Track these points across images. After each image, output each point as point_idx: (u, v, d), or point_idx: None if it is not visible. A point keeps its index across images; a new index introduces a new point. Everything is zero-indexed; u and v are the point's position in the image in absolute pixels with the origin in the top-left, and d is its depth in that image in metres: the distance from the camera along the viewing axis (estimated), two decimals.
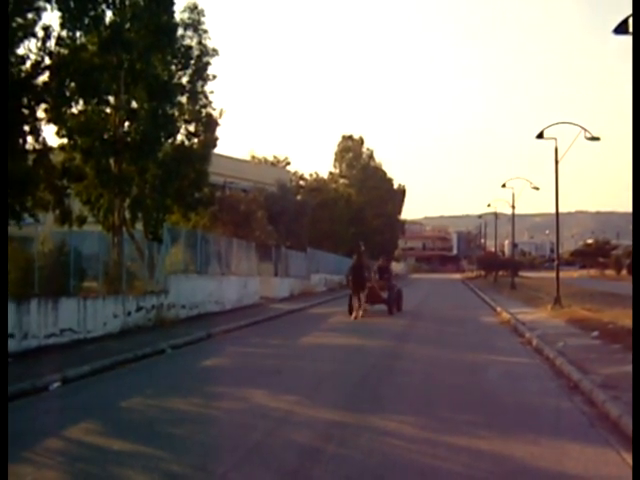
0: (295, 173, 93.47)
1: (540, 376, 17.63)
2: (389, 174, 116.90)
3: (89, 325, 23.21)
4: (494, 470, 9.57)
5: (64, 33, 32.01)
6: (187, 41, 36.83)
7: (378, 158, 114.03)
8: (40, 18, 30.81)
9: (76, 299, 22.75)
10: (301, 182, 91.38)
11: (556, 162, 39.00)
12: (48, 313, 21.00)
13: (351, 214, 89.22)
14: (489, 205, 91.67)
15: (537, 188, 64.56)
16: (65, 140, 32.97)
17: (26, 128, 31.58)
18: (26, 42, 30.96)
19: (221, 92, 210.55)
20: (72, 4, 31.47)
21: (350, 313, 34.99)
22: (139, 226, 35.74)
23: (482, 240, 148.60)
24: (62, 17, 31.61)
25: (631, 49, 13.47)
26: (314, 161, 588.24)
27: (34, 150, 31.85)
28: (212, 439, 11.21)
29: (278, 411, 13.17)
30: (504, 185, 67.42)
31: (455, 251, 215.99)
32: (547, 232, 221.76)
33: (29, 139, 31.83)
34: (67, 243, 23.85)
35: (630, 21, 17.08)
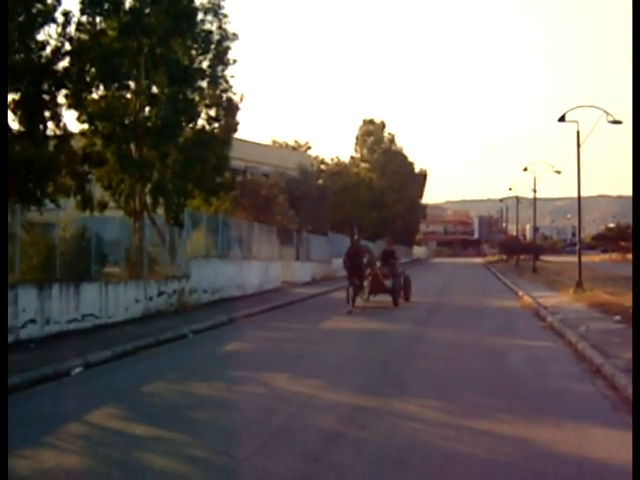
0: (316, 157, 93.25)
1: (562, 360, 17.52)
2: (410, 158, 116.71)
3: (111, 310, 23.23)
4: (516, 454, 9.49)
5: (84, 18, 32.00)
6: (207, 25, 36.51)
7: (399, 142, 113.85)
8: (60, 3, 30.83)
9: (98, 284, 22.76)
10: (322, 166, 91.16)
11: (578, 146, 38.71)
12: (70, 298, 21.02)
13: (372, 198, 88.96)
14: (510, 189, 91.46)
15: (559, 172, 64.30)
16: (86, 125, 32.97)
17: (47, 114, 31.64)
18: (46, 28, 31.01)
19: (242, 76, 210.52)
20: None
21: (349, 303, 29.95)
22: (160, 211, 35.76)
23: (503, 224, 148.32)
24: (82, 2, 31.58)
25: None
26: (335, 145, 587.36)
27: (55, 136, 31.91)
28: (234, 423, 11.16)
29: (300, 395, 13.14)
30: (526, 169, 67.13)
31: (476, 235, 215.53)
32: (569, 216, 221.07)
33: (50, 125, 31.93)
34: (88, 228, 23.79)
35: None
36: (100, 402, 12.71)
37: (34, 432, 10.69)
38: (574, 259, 43.17)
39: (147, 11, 32.76)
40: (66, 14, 31.18)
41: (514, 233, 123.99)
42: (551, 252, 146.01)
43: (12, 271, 19.85)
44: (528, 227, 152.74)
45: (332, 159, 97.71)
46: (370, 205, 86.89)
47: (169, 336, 21.07)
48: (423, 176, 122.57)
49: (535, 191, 69.31)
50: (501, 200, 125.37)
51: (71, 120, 31.97)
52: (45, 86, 31.11)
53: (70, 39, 31.36)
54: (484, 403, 12.61)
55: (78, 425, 11.22)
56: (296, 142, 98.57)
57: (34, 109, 30.40)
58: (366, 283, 31.36)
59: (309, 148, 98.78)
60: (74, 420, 11.45)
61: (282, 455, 9.37)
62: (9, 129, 30.54)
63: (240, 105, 39.36)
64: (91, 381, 15.08)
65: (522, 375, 15.52)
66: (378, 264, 33.54)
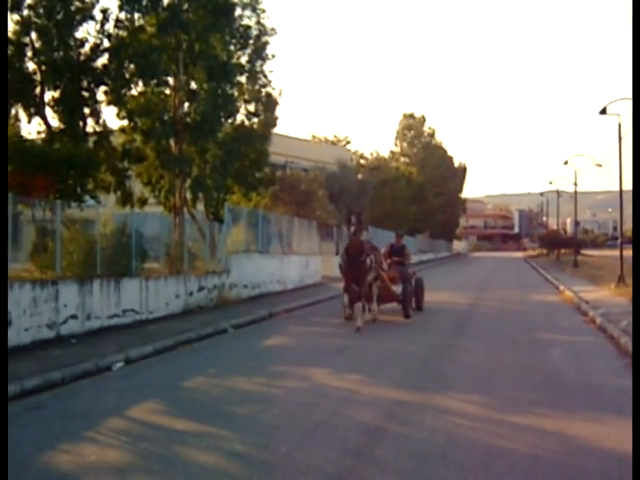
0: (355, 152, 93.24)
1: (604, 355, 17.36)
2: (450, 152, 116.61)
3: (151, 305, 23.26)
4: (559, 449, 9.41)
5: (122, 15, 32.18)
6: (245, 21, 36.52)
7: (439, 136, 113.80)
8: (98, 1, 31.07)
9: (138, 280, 22.80)
10: (361, 161, 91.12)
11: (619, 139, 38.38)
12: (110, 294, 21.07)
13: (412, 193, 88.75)
14: (551, 183, 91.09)
15: (600, 165, 63.77)
16: (125, 122, 33.15)
17: (86, 111, 31.83)
18: (85, 25, 31.21)
19: (281, 72, 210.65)
20: None
21: (347, 317, 24.07)
22: (199, 207, 35.88)
23: (544, 218, 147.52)
24: None
25: None
26: (374, 140, 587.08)
27: (94, 132, 32.11)
28: (275, 418, 11.11)
29: (341, 390, 13.10)
30: (566, 162, 66.65)
31: (517, 229, 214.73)
32: (610, 210, 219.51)
33: (89, 121, 32.13)
34: (129, 224, 23.83)
35: None
36: (141, 397, 12.73)
37: (76, 427, 10.70)
38: (615, 253, 42.80)
39: (185, 7, 32.85)
40: (104, 11, 31.51)
41: (555, 227, 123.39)
42: (592, 246, 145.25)
43: (53, 267, 19.98)
44: (569, 221, 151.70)
45: (371, 154, 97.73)
46: (410, 199, 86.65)
47: (209, 331, 21.07)
48: (463, 170, 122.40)
49: (576, 184, 68.87)
50: (541, 194, 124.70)
51: (111, 117, 32.25)
52: (84, 83, 31.32)
53: (109, 36, 31.63)
54: (525, 398, 12.49)
55: (119, 420, 11.22)
56: (335, 137, 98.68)
57: (74, 106, 30.61)
58: (375, 288, 24.92)
59: (348, 143, 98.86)
60: (115, 415, 11.47)
61: (323, 450, 9.32)
62: (49, 126, 30.82)
63: (279, 100, 39.30)
64: (132, 376, 15.10)
65: (564, 370, 15.36)
66: (385, 264, 26.51)
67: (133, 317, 22.09)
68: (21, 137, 29.54)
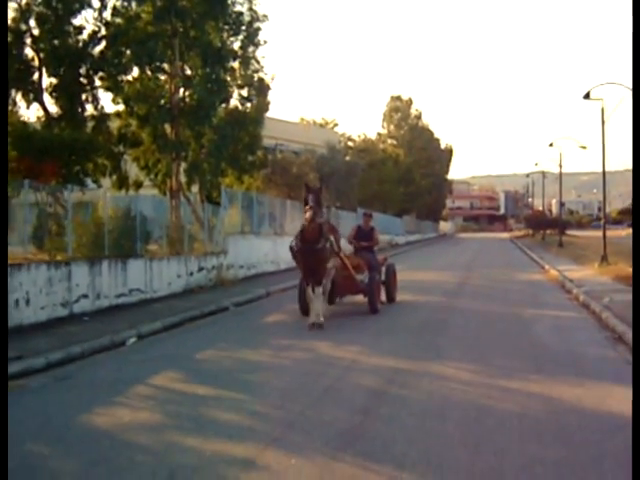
0: (343, 135, 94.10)
1: (587, 328, 18.45)
2: (436, 134, 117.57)
3: (155, 285, 24.26)
4: (544, 409, 10.47)
5: (119, 3, 33.04)
6: (238, 8, 37.35)
7: (426, 118, 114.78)
8: None
9: (143, 260, 23.78)
10: (349, 143, 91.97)
11: (602, 123, 39.37)
12: (118, 274, 22.07)
13: (399, 174, 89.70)
14: (536, 164, 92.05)
15: (584, 147, 64.69)
16: (121, 107, 34.08)
17: (84, 96, 32.75)
18: (83, 13, 32.08)
19: (269, 55, 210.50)
20: None
21: (303, 313, 20.47)
22: (194, 189, 36.89)
23: (529, 199, 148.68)
24: None
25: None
26: (361, 123, 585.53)
27: (93, 117, 33.02)
28: (286, 384, 12.17)
29: (343, 360, 14.19)
30: (551, 144, 67.59)
31: (503, 210, 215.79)
32: (595, 191, 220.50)
33: (88, 107, 33.06)
34: (133, 208, 24.82)
35: None
36: (159, 368, 13.78)
37: (105, 394, 11.74)
38: (600, 234, 43.77)
39: None
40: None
41: (540, 208, 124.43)
42: (577, 227, 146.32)
43: (63, 250, 20.99)
44: (554, 202, 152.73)
45: (359, 136, 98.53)
46: (397, 181, 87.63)
47: (212, 309, 22.11)
48: (449, 152, 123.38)
49: (561, 166, 69.92)
50: (527, 175, 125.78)
51: (107, 102, 33.16)
52: (83, 70, 32.16)
53: (106, 24, 32.44)
54: (513, 366, 13.61)
55: (144, 387, 12.28)
56: (323, 120, 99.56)
57: (72, 92, 31.50)
58: (325, 280, 20.17)
59: (336, 125, 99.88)
60: (139, 383, 12.52)
61: (333, 409, 10.43)
62: (47, 112, 31.71)
63: (271, 85, 40.22)
64: (146, 350, 16.14)
65: (549, 342, 16.46)
66: (347, 248, 23.79)
67: (139, 296, 23.09)
68: (24, 123, 30.43)
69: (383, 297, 23.39)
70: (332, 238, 20.22)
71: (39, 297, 18.29)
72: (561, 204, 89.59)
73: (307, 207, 18.71)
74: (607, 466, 7.89)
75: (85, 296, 20.32)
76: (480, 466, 7.99)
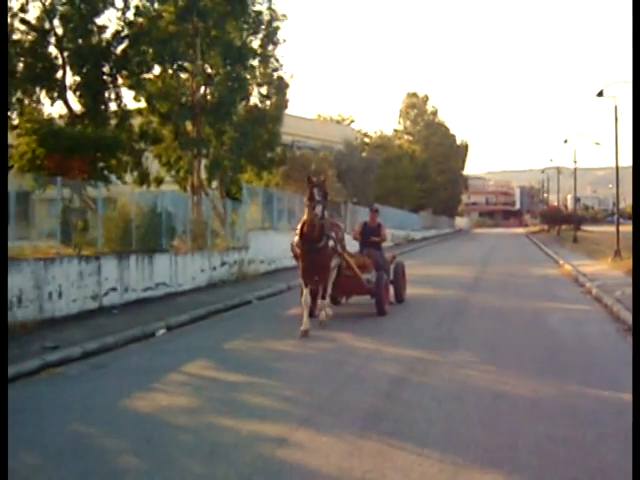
0: (359, 131, 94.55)
1: (598, 320, 19.10)
2: (452, 130, 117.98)
3: (180, 279, 24.97)
4: (555, 394, 11.19)
5: (142, 3, 33.68)
6: (257, 7, 37.98)
7: (442, 115, 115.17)
8: None
9: (168, 255, 24.51)
10: (366, 140, 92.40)
11: (615, 120, 39.87)
12: (145, 268, 22.79)
13: (416, 170, 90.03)
14: (551, 160, 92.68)
15: (598, 143, 65.19)
16: (142, 104, 34.73)
17: (107, 94, 33.39)
18: (106, 13, 32.72)
19: (287, 53, 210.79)
20: None
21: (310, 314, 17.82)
22: (213, 186, 37.61)
23: (545, 194, 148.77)
24: None
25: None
26: (377, 119, 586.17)
27: (116, 115, 33.69)
28: (312, 371, 12.86)
29: (366, 350, 14.90)
30: (566, 141, 68.10)
31: (518, 206, 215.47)
32: (610, 186, 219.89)
33: (111, 105, 33.71)
34: (159, 204, 25.51)
35: None
36: (190, 357, 14.48)
37: (142, 380, 12.44)
38: (615, 229, 44.23)
39: None
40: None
41: (555, 203, 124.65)
42: (592, 222, 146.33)
43: (93, 244, 21.71)
44: (569, 197, 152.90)
45: (375, 132, 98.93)
46: (413, 177, 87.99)
47: (236, 302, 22.79)
48: (465, 148, 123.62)
49: (575, 162, 70.38)
50: (542, 171, 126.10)
51: (128, 99, 33.74)
52: (106, 68, 32.81)
53: (129, 23, 33.01)
54: (527, 355, 14.41)
55: (178, 375, 12.99)
56: (340, 116, 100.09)
57: (96, 90, 32.15)
58: (325, 285, 18.81)
59: (352, 122, 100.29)
60: (173, 371, 13.22)
61: (358, 394, 11.13)
62: (71, 109, 32.38)
63: (290, 83, 40.83)
64: (176, 340, 16.85)
65: (561, 333, 17.20)
66: (353, 245, 22.81)
67: (164, 290, 23.80)
68: (51, 121, 31.09)
69: (391, 297, 22.09)
70: (334, 235, 18.70)
71: (71, 290, 19.05)
72: (576, 199, 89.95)
73: (311, 203, 17.22)
74: (611, 443, 8.57)
75: (114, 289, 21.06)
76: (496, 443, 8.67)
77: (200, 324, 19.33)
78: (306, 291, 17.88)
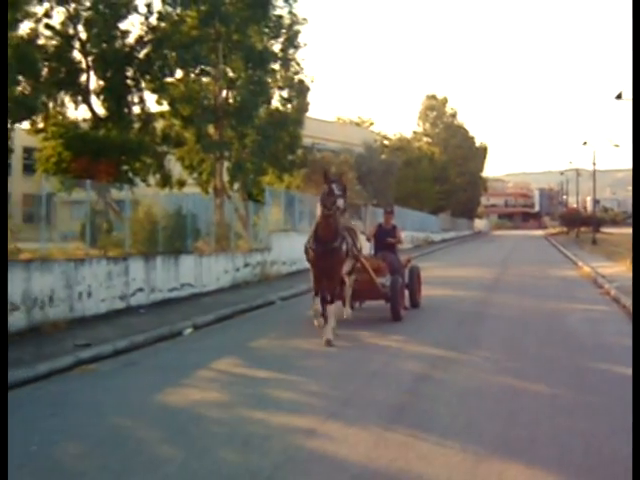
0: (379, 133, 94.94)
1: (616, 321, 19.49)
2: (471, 132, 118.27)
3: (204, 280, 25.43)
4: (573, 389, 11.68)
5: (164, 9, 34.17)
6: (278, 11, 38.45)
7: (460, 117, 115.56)
8: None
9: (193, 256, 24.98)
10: (385, 142, 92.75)
11: (633, 124, 40.07)
12: (170, 269, 23.26)
13: (435, 172, 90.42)
14: (570, 162, 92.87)
15: (617, 146, 65.46)
16: (165, 108, 35.27)
17: (131, 98, 33.89)
18: (129, 18, 33.22)
19: (307, 56, 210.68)
20: None
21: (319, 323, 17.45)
22: (235, 188, 38.13)
23: (564, 196, 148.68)
24: None
25: None
26: (396, 121, 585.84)
27: (139, 118, 34.21)
28: (337, 368, 13.31)
29: (388, 348, 15.33)
30: (585, 143, 68.39)
31: (537, 208, 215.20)
32: (629, 188, 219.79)
33: (135, 108, 34.21)
34: (184, 206, 25.99)
35: None
36: (218, 354, 14.91)
37: (173, 377, 12.88)
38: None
39: (225, 0, 34.87)
40: (148, 5, 33.41)
41: (575, 205, 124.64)
42: (612, 224, 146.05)
43: (120, 245, 22.21)
44: (589, 199, 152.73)
45: (394, 134, 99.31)
46: (432, 179, 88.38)
47: (260, 302, 23.26)
48: (484, 150, 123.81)
49: (594, 164, 70.69)
50: (561, 173, 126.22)
51: (150, 102, 34.27)
52: (129, 72, 33.32)
53: (152, 28, 33.52)
54: (546, 353, 14.86)
55: (207, 371, 13.44)
56: (359, 119, 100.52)
57: (120, 94, 32.67)
58: (348, 283, 19.04)
59: (372, 124, 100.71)
60: (202, 368, 13.67)
61: (383, 389, 11.57)
62: (94, 113, 32.90)
63: (310, 86, 41.27)
64: (203, 339, 17.31)
65: (579, 332, 17.60)
66: (368, 248, 21.60)
67: (189, 290, 24.27)
68: (76, 125, 31.68)
69: (407, 302, 21.08)
70: (349, 238, 17.84)
71: (100, 290, 19.54)
72: (596, 201, 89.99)
73: (330, 197, 16.17)
74: (624, 435, 8.91)
75: (141, 290, 21.54)
76: (515, 435, 9.09)
77: (226, 324, 19.80)
78: (317, 300, 17.27)
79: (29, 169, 50.05)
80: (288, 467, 8.06)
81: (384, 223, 21.91)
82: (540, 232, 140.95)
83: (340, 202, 16.09)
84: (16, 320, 16.15)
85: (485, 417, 9.99)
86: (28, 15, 28.15)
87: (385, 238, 21.11)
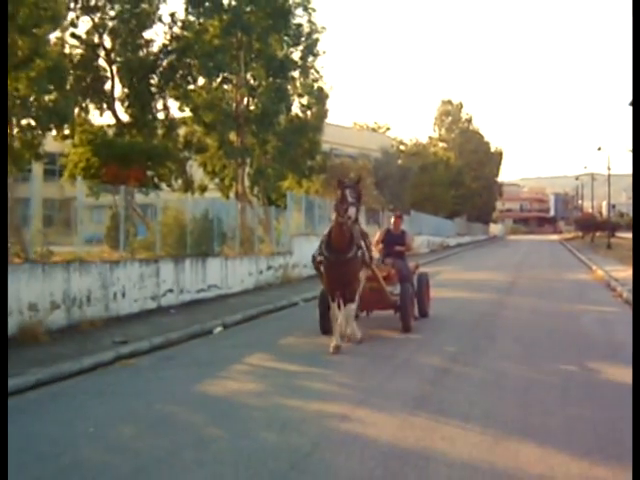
0: (395, 138, 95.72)
1: (627, 322, 20.07)
2: (486, 137, 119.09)
3: (230, 282, 26.43)
4: (584, 382, 12.60)
5: (187, 18, 35.10)
6: (297, 20, 39.30)
7: (476, 122, 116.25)
8: (160, 1, 33.91)
9: (219, 259, 25.96)
10: (401, 147, 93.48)
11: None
12: (198, 271, 24.24)
13: (450, 177, 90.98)
14: (585, 167, 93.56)
15: (631, 150, 66.12)
16: (187, 114, 36.21)
17: (155, 105, 34.80)
18: (154, 27, 34.14)
19: (324, 62, 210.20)
20: None
21: (324, 332, 17.65)
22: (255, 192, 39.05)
23: (579, 201, 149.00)
24: (186, 3, 34.72)
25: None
26: (412, 127, 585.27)
27: (163, 125, 35.13)
28: (363, 363, 14.19)
29: (410, 345, 16.26)
30: (599, 149, 69.24)
31: (552, 212, 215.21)
32: None
33: (159, 115, 35.12)
34: (211, 211, 26.91)
35: None
36: (249, 350, 15.84)
37: (209, 370, 13.81)
38: None
39: (247, 10, 35.80)
40: (172, 15, 34.36)
41: (590, 210, 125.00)
42: (627, 229, 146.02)
43: (151, 249, 23.15)
44: (604, 204, 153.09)
45: (410, 140, 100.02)
46: (448, 184, 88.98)
47: (284, 303, 24.20)
48: (499, 154, 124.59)
49: (609, 169, 71.45)
50: (576, 178, 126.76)
51: (173, 109, 35.18)
52: (153, 80, 34.25)
53: (176, 37, 34.44)
54: (559, 350, 15.80)
55: (241, 365, 14.38)
56: (376, 124, 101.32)
57: (145, 101, 33.60)
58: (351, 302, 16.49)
59: (388, 129, 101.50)
60: (236, 362, 14.61)
61: (406, 382, 12.50)
62: (118, 119, 33.83)
63: (329, 93, 42.10)
64: (233, 337, 18.28)
65: (591, 332, 18.51)
66: (376, 255, 19.36)
67: (216, 292, 25.27)
68: (104, 131, 32.64)
69: (415, 312, 19.80)
70: (364, 245, 16.75)
71: (133, 291, 20.55)
72: (612, 206, 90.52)
73: (343, 205, 15.27)
74: (629, 422, 9.82)
75: (171, 291, 22.54)
76: (530, 421, 9.98)
77: (253, 323, 20.78)
78: (334, 305, 16.42)
79: (48, 173, 50.90)
80: (325, 445, 8.99)
81: (393, 228, 20.51)
82: (555, 237, 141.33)
83: (352, 211, 15.11)
84: (57, 318, 17.17)
85: (502, 405, 10.90)
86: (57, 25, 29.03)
87: (394, 244, 19.68)
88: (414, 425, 9.75)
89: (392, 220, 21.09)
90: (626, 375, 12.78)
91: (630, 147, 65.43)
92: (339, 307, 16.29)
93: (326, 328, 17.39)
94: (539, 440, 9.00)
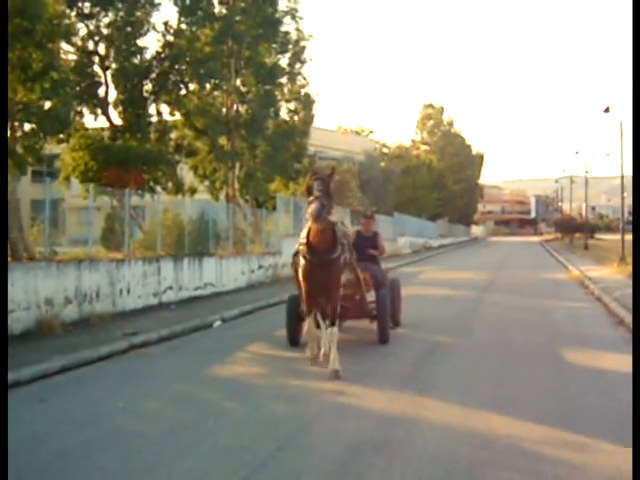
0: (378, 142, 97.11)
1: (596, 315, 22.04)
2: (468, 140, 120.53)
3: (224, 280, 27.88)
4: (552, 365, 14.22)
5: (179, 26, 36.37)
6: (285, 27, 40.74)
7: (457, 125, 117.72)
8: (153, 9, 35.13)
9: (214, 259, 27.41)
10: (384, 150, 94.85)
11: (621, 135, 42.92)
12: (195, 270, 25.67)
13: (433, 180, 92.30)
14: (564, 170, 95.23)
15: (608, 155, 68.16)
16: (177, 118, 37.48)
17: (148, 110, 36.04)
18: (148, 35, 35.40)
19: (309, 67, 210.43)
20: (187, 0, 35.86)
21: (293, 343, 16.38)
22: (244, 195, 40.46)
23: (559, 203, 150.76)
24: (179, 12, 35.99)
25: None
26: (395, 130, 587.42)
27: (156, 130, 36.39)
28: (354, 351, 15.62)
29: (396, 336, 17.53)
30: (577, 152, 71.30)
31: (533, 214, 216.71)
32: (625, 195, 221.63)
33: (152, 120, 36.36)
34: (206, 213, 28.34)
35: None
36: (249, 341, 17.29)
37: (215, 357, 15.28)
38: (628, 237, 46.53)
39: (237, 19, 37.20)
40: (165, 23, 35.64)
41: (569, 212, 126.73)
42: (606, 230, 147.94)
43: (151, 248, 24.58)
44: (584, 206, 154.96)
45: (393, 143, 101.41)
46: (430, 186, 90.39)
47: (276, 300, 25.45)
48: (480, 157, 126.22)
49: (587, 172, 73.44)
50: (556, 180, 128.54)
51: (165, 114, 36.33)
52: (147, 86, 35.53)
53: (169, 44, 35.72)
54: (529, 339, 17.46)
55: (244, 353, 15.87)
56: (360, 127, 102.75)
57: (137, 106, 34.87)
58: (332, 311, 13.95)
59: (371, 132, 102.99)
60: (239, 350, 16.10)
61: (394, 365, 14.13)
62: (112, 124, 35.08)
63: (316, 99, 43.60)
64: (232, 329, 19.73)
65: (562, 324, 20.14)
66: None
67: (211, 289, 26.72)
68: (101, 136, 33.89)
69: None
70: (347, 245, 14.60)
71: (137, 288, 21.98)
72: (591, 208, 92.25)
73: (311, 198, 12.93)
74: (592, 395, 11.41)
75: (170, 288, 23.98)
76: (502, 395, 11.57)
77: (248, 318, 22.26)
78: (309, 320, 14.47)
79: (38, 175, 51.72)
80: (326, 413, 10.59)
81: (363, 230, 18.56)
82: (536, 238, 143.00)
83: (314, 206, 12.60)
84: (70, 312, 18.57)
85: (478, 384, 12.54)
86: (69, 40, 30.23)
87: (366, 247, 17.64)
88: (401, 399, 11.30)
89: (362, 221, 19.46)
90: (590, 358, 14.50)
91: (608, 152, 67.26)
92: (317, 325, 14.51)
93: (294, 339, 16.39)
94: (509, 410, 10.54)
